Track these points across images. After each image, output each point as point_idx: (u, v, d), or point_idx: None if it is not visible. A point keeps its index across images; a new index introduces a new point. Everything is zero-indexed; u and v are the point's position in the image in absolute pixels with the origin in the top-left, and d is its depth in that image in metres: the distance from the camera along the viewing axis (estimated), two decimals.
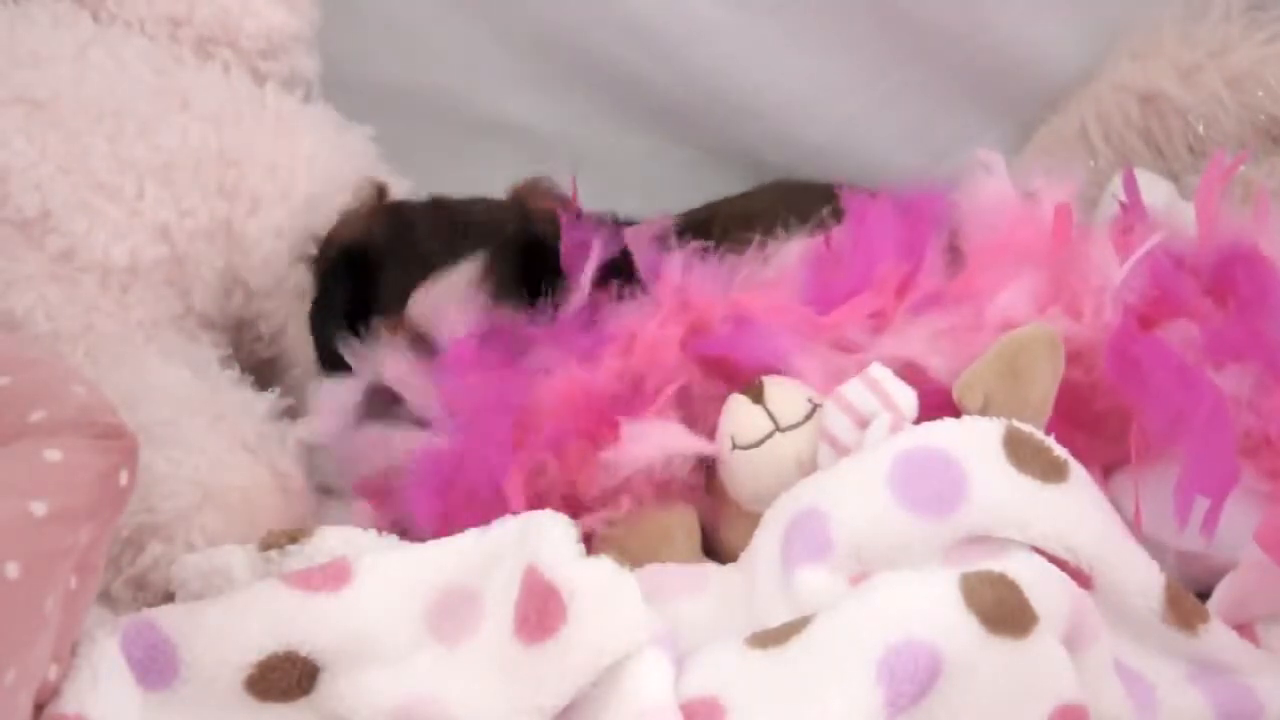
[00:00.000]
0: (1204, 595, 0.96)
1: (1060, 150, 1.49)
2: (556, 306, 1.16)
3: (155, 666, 0.93)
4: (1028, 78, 1.53)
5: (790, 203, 1.22)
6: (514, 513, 1.00)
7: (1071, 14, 1.51)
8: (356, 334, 1.19)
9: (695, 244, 1.15)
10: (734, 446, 1.03)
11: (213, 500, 1.07)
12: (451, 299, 1.19)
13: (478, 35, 1.55)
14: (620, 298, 1.14)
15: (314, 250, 1.26)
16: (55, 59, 1.23)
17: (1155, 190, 1.24)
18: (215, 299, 1.27)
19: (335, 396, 1.16)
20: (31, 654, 0.84)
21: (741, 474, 1.04)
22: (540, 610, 0.91)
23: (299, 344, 1.27)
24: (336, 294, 1.23)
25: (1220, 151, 1.19)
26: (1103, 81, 1.49)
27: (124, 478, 0.92)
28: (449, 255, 1.21)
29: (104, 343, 1.19)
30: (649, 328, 1.09)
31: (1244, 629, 0.96)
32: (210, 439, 1.09)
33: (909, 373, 1.02)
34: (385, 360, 1.15)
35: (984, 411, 0.98)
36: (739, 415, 1.04)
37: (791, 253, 1.14)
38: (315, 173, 1.29)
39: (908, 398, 1.00)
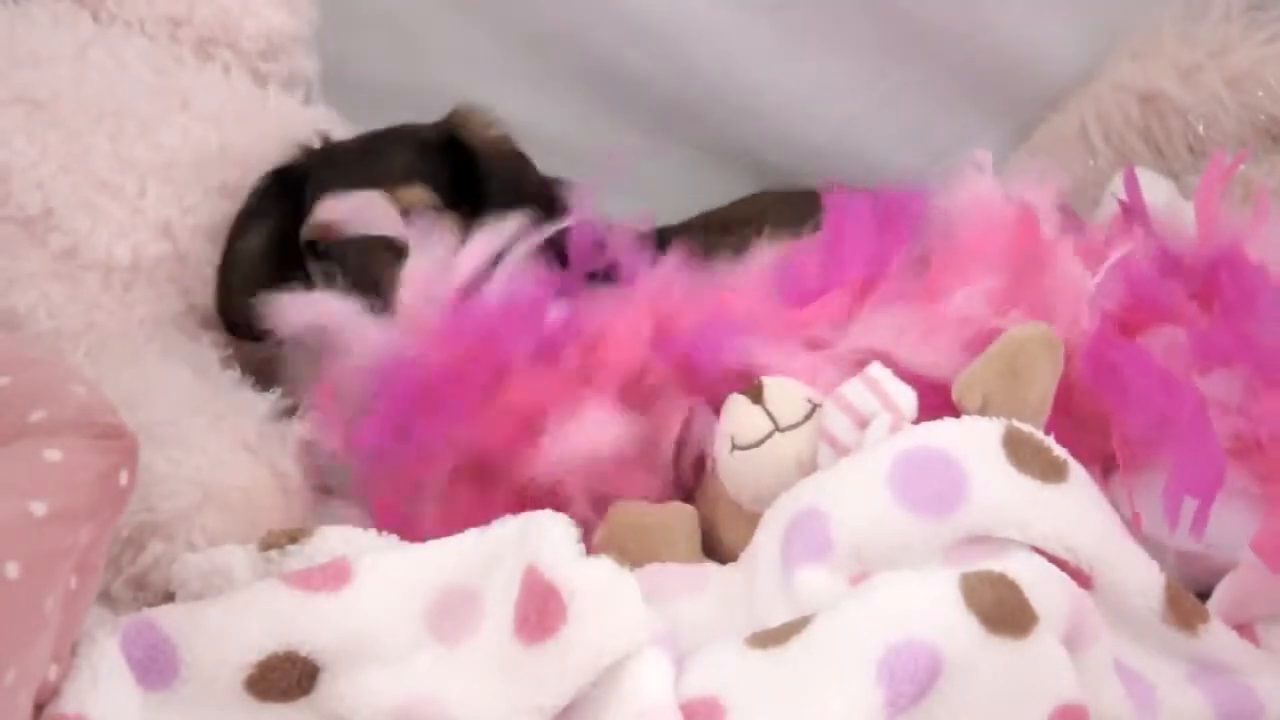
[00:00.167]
0: (1204, 595, 0.96)
1: (1060, 150, 1.50)
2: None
3: (155, 666, 0.93)
4: (1028, 78, 1.54)
5: (780, 210, 1.22)
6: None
7: (1071, 14, 1.51)
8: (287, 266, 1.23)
9: (678, 247, 1.16)
10: (733, 447, 1.03)
11: (213, 500, 1.07)
12: (369, 200, 1.21)
13: (478, 35, 1.55)
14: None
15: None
16: (55, 59, 1.23)
17: (1155, 189, 1.24)
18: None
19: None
20: (31, 654, 0.84)
21: (741, 474, 1.04)
22: (540, 610, 0.91)
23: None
24: (263, 208, 1.26)
25: (1220, 151, 1.19)
26: (1103, 81, 1.49)
27: (124, 478, 0.92)
28: (368, 159, 1.24)
29: (106, 341, 1.19)
30: (617, 324, 1.09)
31: (1244, 629, 0.96)
32: (211, 439, 1.09)
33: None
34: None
35: (983, 411, 0.98)
36: (738, 415, 1.04)
37: (768, 255, 1.15)
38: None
39: (907, 398, 1.00)
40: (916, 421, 0.99)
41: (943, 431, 0.97)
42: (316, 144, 1.30)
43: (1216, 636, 0.94)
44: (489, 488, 1.05)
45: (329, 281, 1.22)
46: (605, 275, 1.17)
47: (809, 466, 1.01)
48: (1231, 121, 1.41)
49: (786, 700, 0.87)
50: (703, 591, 0.99)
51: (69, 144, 1.20)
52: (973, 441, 0.95)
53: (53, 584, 0.85)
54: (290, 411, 1.18)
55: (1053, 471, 0.95)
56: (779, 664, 0.88)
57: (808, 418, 1.03)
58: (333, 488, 1.17)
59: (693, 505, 1.07)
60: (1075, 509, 0.94)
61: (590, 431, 1.04)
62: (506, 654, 0.91)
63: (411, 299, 1.11)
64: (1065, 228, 1.11)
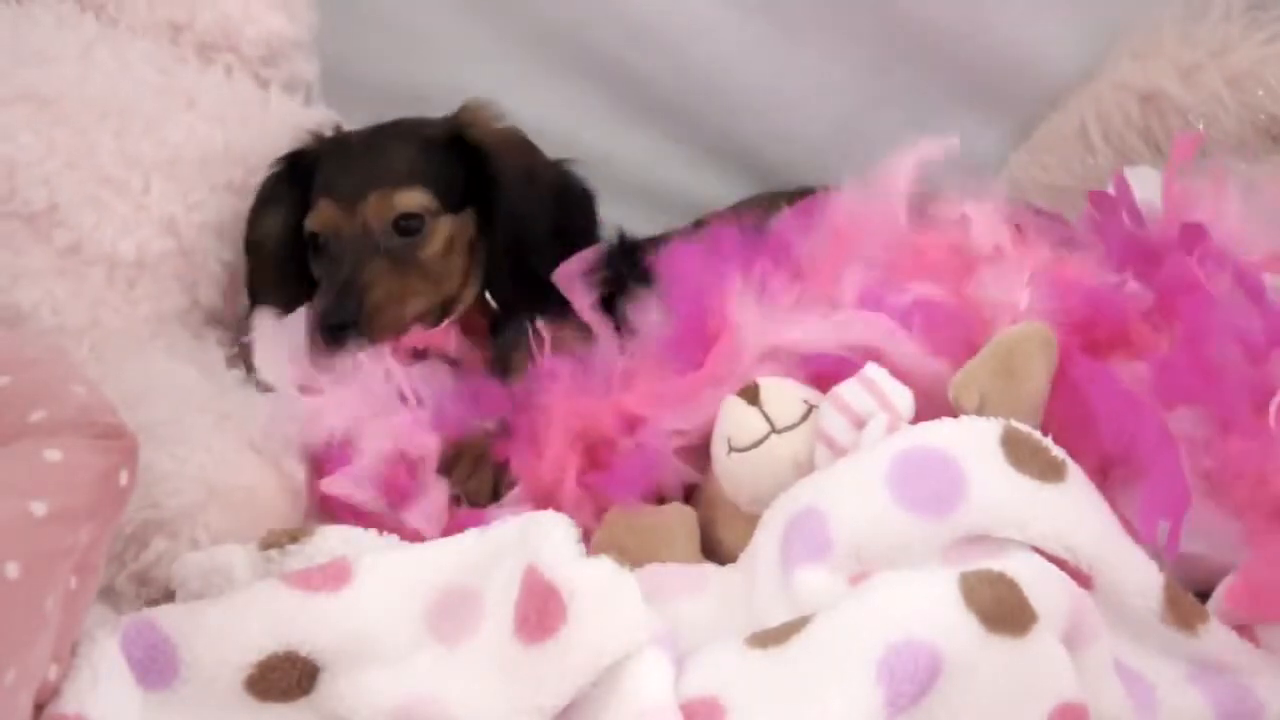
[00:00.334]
0: (1204, 595, 0.96)
1: (1059, 148, 1.50)
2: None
3: (155, 666, 0.93)
4: (1028, 77, 1.54)
5: (772, 213, 1.22)
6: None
7: (1071, 13, 1.51)
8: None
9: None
10: (731, 449, 1.03)
11: (217, 498, 1.07)
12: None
13: (478, 35, 1.55)
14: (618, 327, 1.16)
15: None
16: (60, 58, 1.24)
17: (1156, 186, 1.24)
18: (221, 293, 1.27)
19: (277, 334, 1.19)
20: (31, 654, 0.84)
21: (739, 476, 1.04)
22: (540, 610, 0.91)
23: None
24: (277, 193, 1.27)
25: (1181, 137, 1.20)
26: (1103, 80, 1.49)
27: (124, 478, 0.92)
28: (372, 155, 1.25)
29: (110, 338, 1.19)
30: (545, 465, 1.10)
31: (1244, 629, 0.96)
32: (216, 437, 1.10)
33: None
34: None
35: (980, 410, 0.98)
36: (735, 417, 1.04)
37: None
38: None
39: (904, 398, 1.00)
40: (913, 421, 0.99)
41: (941, 431, 0.97)
42: (329, 133, 1.31)
43: (1216, 636, 0.94)
44: None
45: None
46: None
47: (806, 467, 1.01)
48: (1232, 121, 1.41)
49: (786, 700, 0.87)
50: (703, 591, 0.99)
51: (74, 140, 1.20)
52: (971, 441, 0.95)
53: (53, 584, 0.85)
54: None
55: (1051, 471, 0.95)
56: (779, 664, 0.88)
57: (804, 419, 1.03)
58: None
59: (692, 506, 1.07)
60: (1074, 509, 0.94)
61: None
62: (506, 654, 0.91)
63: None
64: (1016, 236, 1.11)
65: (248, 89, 1.32)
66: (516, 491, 1.12)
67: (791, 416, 1.03)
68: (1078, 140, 1.48)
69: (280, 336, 1.19)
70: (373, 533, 1.04)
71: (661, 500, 1.08)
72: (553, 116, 1.55)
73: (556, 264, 1.21)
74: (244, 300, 1.29)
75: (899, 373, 1.02)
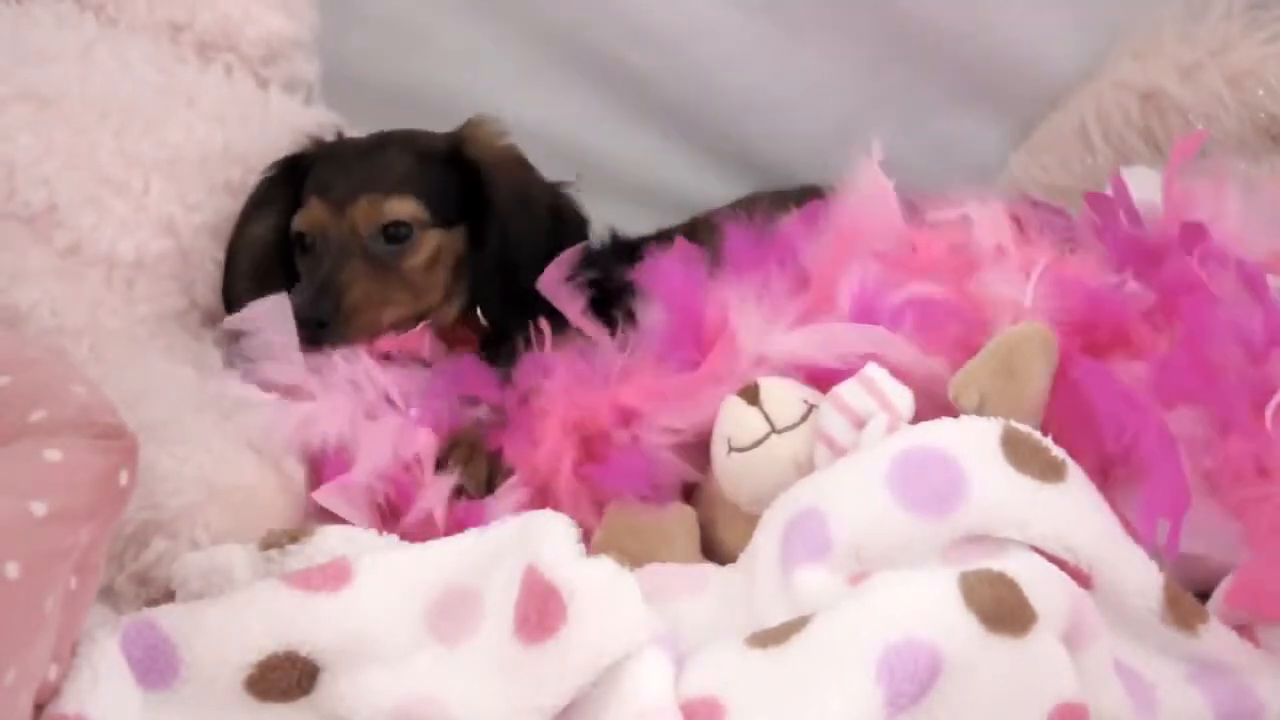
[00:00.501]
0: (1204, 595, 0.96)
1: (1059, 148, 1.50)
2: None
3: (155, 666, 0.93)
4: (1027, 76, 1.53)
5: (774, 210, 1.22)
6: None
7: (1071, 13, 1.51)
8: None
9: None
10: (730, 449, 1.03)
11: (217, 498, 1.07)
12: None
13: (478, 35, 1.55)
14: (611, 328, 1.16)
15: None
16: (60, 58, 1.24)
17: (1156, 186, 1.23)
18: (219, 294, 1.27)
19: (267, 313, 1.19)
20: (31, 654, 0.84)
21: (739, 476, 1.04)
22: (540, 610, 0.91)
23: None
24: (269, 196, 1.27)
25: (1181, 138, 1.20)
26: (1103, 80, 1.49)
27: (124, 478, 0.92)
28: (368, 161, 1.25)
29: (109, 339, 1.19)
30: (541, 455, 1.10)
31: (1244, 629, 0.96)
32: (215, 437, 1.10)
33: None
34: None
35: (980, 410, 0.98)
36: (735, 417, 1.04)
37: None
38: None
39: (904, 398, 1.00)
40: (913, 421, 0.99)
41: (941, 431, 0.97)
42: (328, 138, 1.30)
43: (1216, 637, 0.94)
44: None
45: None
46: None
47: (806, 467, 1.01)
48: (1232, 120, 1.41)
49: (786, 700, 0.87)
50: (703, 591, 0.99)
51: (74, 141, 1.20)
52: (971, 441, 0.95)
53: (53, 584, 0.85)
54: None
55: (1051, 471, 0.95)
56: (779, 664, 0.88)
57: (804, 419, 1.03)
58: None
59: (692, 506, 1.07)
60: (1074, 509, 0.94)
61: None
62: (506, 654, 0.91)
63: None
64: (1018, 235, 1.12)
65: (248, 89, 1.32)
66: (513, 481, 1.11)
67: (791, 416, 1.03)
68: (1078, 140, 1.48)
69: (275, 323, 1.19)
70: (372, 533, 1.04)
71: (659, 498, 1.08)
72: (553, 116, 1.56)
73: None
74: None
75: (898, 376, 1.02)
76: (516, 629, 0.92)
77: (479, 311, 1.26)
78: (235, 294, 1.25)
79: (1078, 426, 0.99)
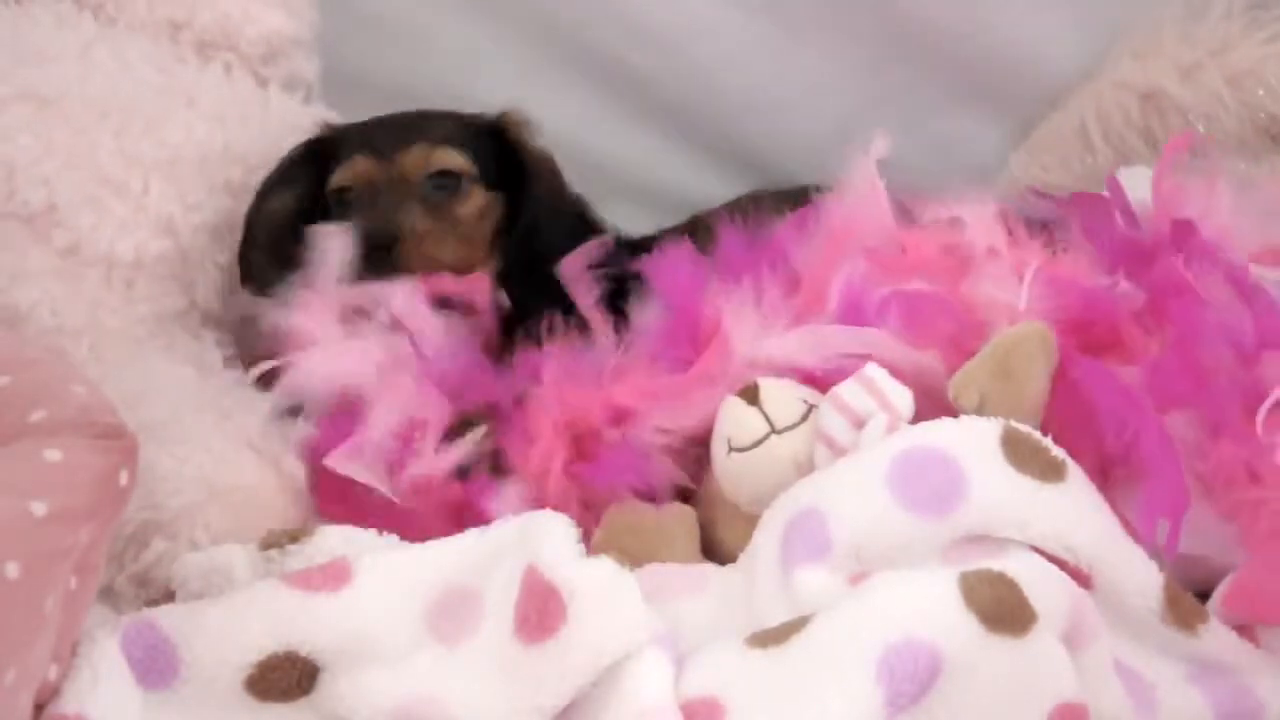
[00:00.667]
0: (1204, 596, 0.96)
1: (1059, 148, 1.50)
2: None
3: (155, 666, 0.93)
4: (1027, 76, 1.54)
5: (770, 209, 1.22)
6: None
7: (1071, 12, 1.51)
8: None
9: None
10: (730, 449, 1.03)
11: (217, 498, 1.07)
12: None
13: (478, 35, 1.55)
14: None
15: None
16: (60, 57, 1.24)
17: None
18: (219, 294, 1.27)
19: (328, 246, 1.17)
20: (31, 654, 0.84)
21: (739, 476, 1.04)
22: (540, 610, 0.91)
23: None
24: (291, 174, 1.26)
25: (1173, 137, 1.20)
26: (1103, 79, 1.49)
27: (124, 478, 0.92)
28: (410, 123, 1.25)
29: (108, 339, 1.19)
30: (534, 453, 1.09)
31: (1244, 629, 0.96)
32: (215, 437, 1.10)
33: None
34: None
35: (979, 411, 0.98)
36: (735, 417, 1.04)
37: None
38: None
39: (904, 398, 1.00)
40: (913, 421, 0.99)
41: (941, 431, 0.97)
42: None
43: (1216, 637, 0.94)
44: None
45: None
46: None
47: (806, 467, 1.01)
48: (1232, 120, 1.41)
49: (786, 700, 0.87)
50: (703, 591, 0.99)
51: (74, 141, 1.20)
52: (971, 441, 0.95)
53: (53, 584, 0.85)
54: (293, 411, 1.19)
55: (1051, 471, 0.95)
56: (779, 664, 0.88)
57: (804, 419, 1.03)
58: None
59: (691, 506, 1.07)
60: (1074, 509, 0.94)
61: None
62: (506, 654, 0.91)
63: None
64: (1011, 237, 1.12)
65: (247, 88, 1.32)
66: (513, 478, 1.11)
67: (791, 416, 1.03)
68: (1077, 140, 1.48)
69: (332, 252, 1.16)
70: (372, 533, 1.04)
71: (652, 498, 1.08)
72: (553, 116, 1.55)
73: None
74: (241, 298, 1.28)
75: (891, 374, 1.02)
76: (516, 629, 0.92)
77: (503, 289, 1.25)
78: (252, 268, 1.25)
79: (1077, 426, 0.99)
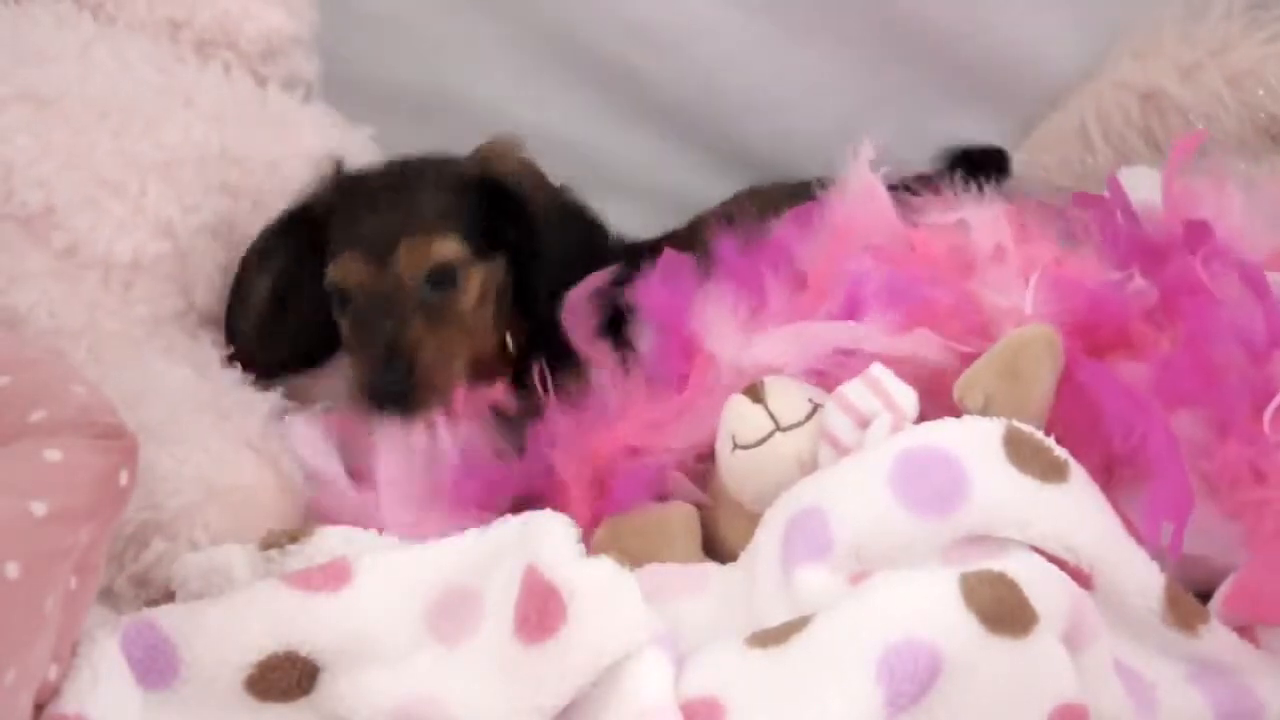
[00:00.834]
0: (1205, 596, 0.96)
1: (1059, 148, 1.50)
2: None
3: (155, 666, 0.93)
4: (1027, 76, 1.54)
5: (766, 207, 1.22)
6: None
7: (1071, 12, 1.51)
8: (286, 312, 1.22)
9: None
10: (734, 446, 1.03)
11: (216, 498, 1.07)
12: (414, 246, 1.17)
13: (478, 35, 1.55)
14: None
15: None
16: (60, 57, 1.23)
17: (1155, 186, 1.24)
18: (217, 295, 1.27)
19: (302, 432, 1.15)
20: (31, 654, 0.84)
21: (742, 474, 1.04)
22: (540, 610, 0.91)
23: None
24: (273, 246, 1.23)
25: (1181, 137, 1.20)
26: (1103, 79, 1.49)
27: (124, 478, 0.92)
28: (396, 202, 1.19)
29: (107, 340, 1.19)
30: (571, 512, 1.07)
31: (1244, 630, 0.96)
32: (214, 437, 1.10)
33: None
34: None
35: (984, 411, 0.98)
36: (740, 415, 1.04)
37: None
38: (317, 170, 1.29)
39: (908, 397, 0.99)
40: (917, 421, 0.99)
41: (943, 431, 0.97)
42: (330, 170, 1.25)
43: (1216, 637, 0.94)
44: None
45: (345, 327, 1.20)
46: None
47: (810, 466, 1.01)
48: (1232, 120, 1.41)
49: (786, 700, 0.87)
50: (703, 591, 0.99)
51: (72, 141, 1.20)
52: (973, 441, 0.95)
53: (53, 584, 0.85)
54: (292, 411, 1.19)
55: (1053, 471, 0.95)
56: (779, 664, 0.88)
57: (809, 417, 1.03)
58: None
59: (693, 505, 1.07)
60: (1075, 509, 0.94)
61: None
62: (506, 654, 0.91)
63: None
64: (1019, 234, 1.11)
65: (246, 87, 1.31)
66: None
67: (796, 415, 1.03)
68: (1078, 139, 1.48)
69: (307, 446, 1.14)
70: (372, 533, 1.04)
71: (663, 498, 1.08)
72: (552, 116, 1.56)
73: None
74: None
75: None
76: (516, 629, 0.92)
77: (508, 340, 1.22)
78: (242, 348, 1.23)
79: (1082, 428, 0.99)
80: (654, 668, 0.89)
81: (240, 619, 0.93)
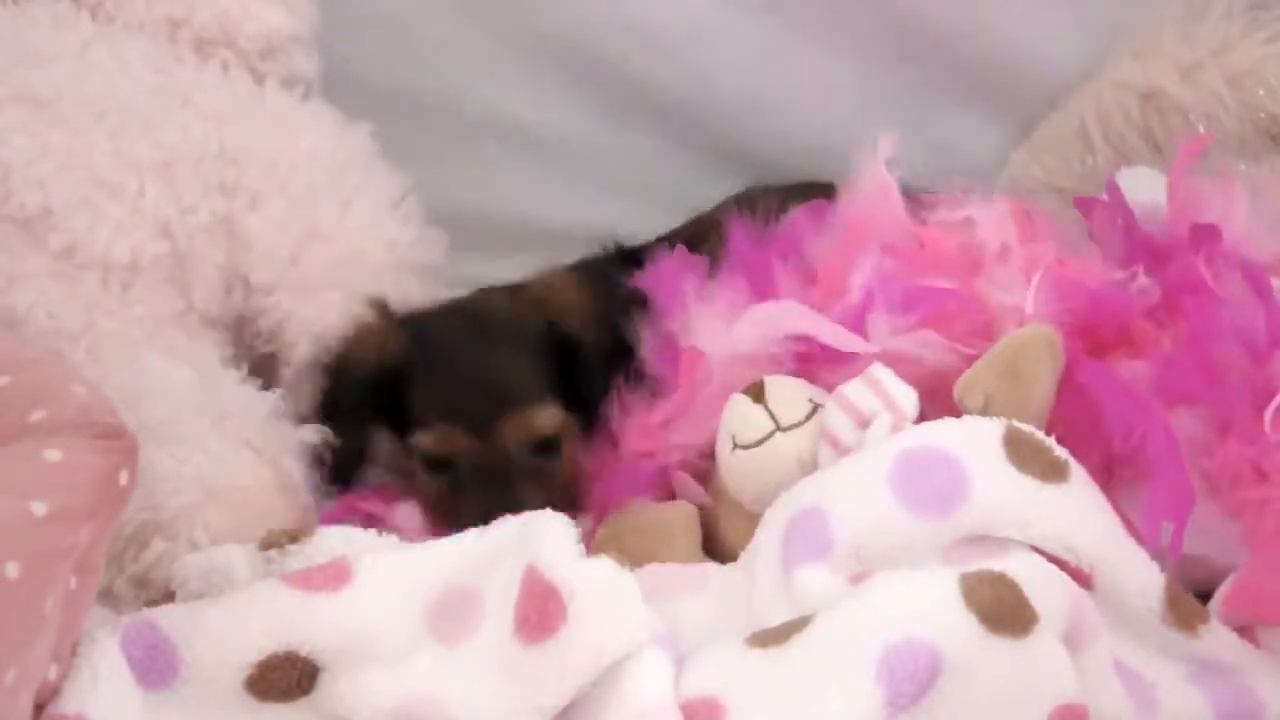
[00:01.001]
0: (1205, 596, 0.96)
1: (1059, 148, 1.50)
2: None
3: (155, 666, 0.93)
4: (1027, 76, 1.53)
5: (769, 206, 1.22)
6: None
7: (1071, 12, 1.51)
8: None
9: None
10: (735, 446, 1.03)
11: (216, 498, 1.07)
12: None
13: (478, 36, 1.55)
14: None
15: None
16: (57, 58, 1.23)
17: (1155, 186, 1.24)
18: (216, 296, 1.26)
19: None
20: (31, 654, 0.84)
21: (742, 474, 1.04)
22: (540, 610, 0.91)
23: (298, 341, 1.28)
24: (361, 427, 1.21)
25: (1187, 139, 1.20)
26: (1103, 79, 1.49)
27: (124, 478, 0.92)
28: (483, 361, 1.18)
29: (106, 341, 1.18)
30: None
31: (1244, 630, 0.96)
32: (213, 437, 1.09)
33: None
34: None
35: (984, 411, 0.98)
36: (740, 414, 1.04)
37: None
38: (315, 168, 1.28)
39: (909, 397, 1.00)
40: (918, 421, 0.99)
41: (943, 431, 0.97)
42: (377, 315, 1.23)
43: (1216, 637, 0.94)
44: None
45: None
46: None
47: (810, 466, 1.01)
48: (1232, 120, 1.41)
49: (786, 700, 0.87)
50: (703, 591, 0.99)
51: (70, 142, 1.20)
52: (973, 441, 0.95)
53: (53, 584, 0.85)
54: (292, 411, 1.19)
55: (1053, 471, 0.95)
56: (779, 664, 0.88)
57: (809, 417, 1.03)
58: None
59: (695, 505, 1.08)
60: (1076, 509, 0.94)
61: None
62: (506, 654, 0.91)
63: None
64: (1024, 233, 1.12)
65: (245, 86, 1.31)
66: None
67: (796, 415, 1.03)
68: (1078, 139, 1.48)
69: None
70: (372, 533, 1.04)
71: (671, 496, 1.08)
72: (553, 116, 1.56)
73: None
74: (238, 300, 1.27)
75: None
76: (516, 629, 0.92)
77: None
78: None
79: (1083, 428, 0.99)
80: (654, 668, 0.89)
81: (240, 619, 0.93)
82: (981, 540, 0.93)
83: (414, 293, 1.28)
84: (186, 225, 1.24)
